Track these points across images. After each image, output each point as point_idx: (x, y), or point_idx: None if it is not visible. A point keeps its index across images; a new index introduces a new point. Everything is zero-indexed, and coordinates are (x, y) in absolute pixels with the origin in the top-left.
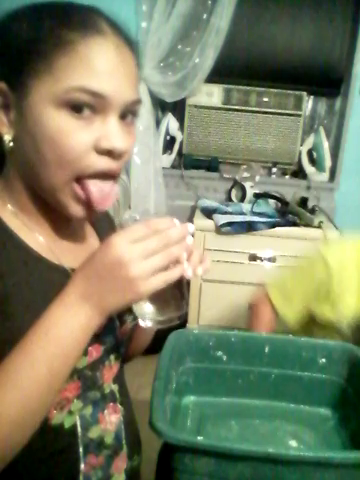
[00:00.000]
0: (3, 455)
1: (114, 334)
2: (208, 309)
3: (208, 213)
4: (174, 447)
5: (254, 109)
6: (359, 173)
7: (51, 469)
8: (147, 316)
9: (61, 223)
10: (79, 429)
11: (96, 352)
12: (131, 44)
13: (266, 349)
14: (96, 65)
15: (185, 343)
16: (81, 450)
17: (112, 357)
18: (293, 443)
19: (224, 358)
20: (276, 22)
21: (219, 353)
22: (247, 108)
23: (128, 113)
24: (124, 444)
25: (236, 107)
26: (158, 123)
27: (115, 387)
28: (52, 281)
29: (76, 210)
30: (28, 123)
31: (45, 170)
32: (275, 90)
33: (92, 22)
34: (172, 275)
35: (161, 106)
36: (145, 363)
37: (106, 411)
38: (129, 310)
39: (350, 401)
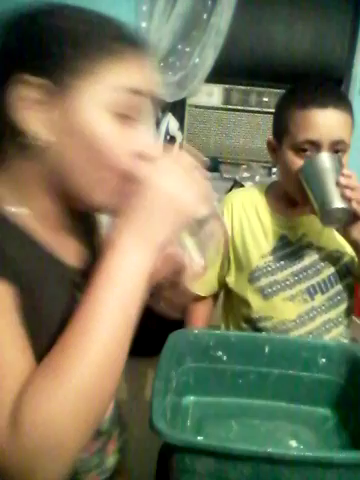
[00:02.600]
0: (100, 411)
1: None
2: None
3: None
4: (174, 447)
5: (254, 109)
6: (359, 173)
7: None
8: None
9: (65, 223)
10: None
11: None
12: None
13: (266, 349)
14: (145, 70)
15: (185, 343)
16: None
17: None
18: (293, 443)
19: (224, 358)
20: (276, 22)
21: (219, 353)
22: (247, 108)
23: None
24: (116, 427)
25: (236, 107)
26: (158, 123)
27: None
28: (63, 277)
29: (107, 209)
30: (74, 125)
31: (88, 174)
32: (275, 90)
33: (135, 35)
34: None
35: (161, 106)
36: (145, 363)
37: None
38: None
39: (350, 401)
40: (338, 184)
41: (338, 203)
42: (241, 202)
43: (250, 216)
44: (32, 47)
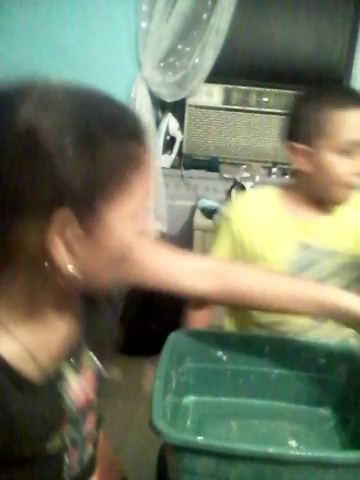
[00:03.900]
0: None
1: None
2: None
3: (208, 213)
4: (174, 447)
5: (254, 109)
6: None
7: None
8: None
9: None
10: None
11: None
12: None
13: (266, 349)
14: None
15: (185, 343)
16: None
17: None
18: (293, 443)
19: (224, 358)
20: (276, 22)
21: (219, 353)
22: (247, 108)
23: None
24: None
25: (236, 107)
26: (158, 123)
27: None
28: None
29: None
30: (101, 244)
31: (107, 272)
32: (275, 90)
33: (145, 131)
34: None
35: (161, 106)
36: (145, 363)
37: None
38: None
39: (350, 401)
40: None
41: None
42: (257, 205)
43: (267, 219)
44: (84, 183)
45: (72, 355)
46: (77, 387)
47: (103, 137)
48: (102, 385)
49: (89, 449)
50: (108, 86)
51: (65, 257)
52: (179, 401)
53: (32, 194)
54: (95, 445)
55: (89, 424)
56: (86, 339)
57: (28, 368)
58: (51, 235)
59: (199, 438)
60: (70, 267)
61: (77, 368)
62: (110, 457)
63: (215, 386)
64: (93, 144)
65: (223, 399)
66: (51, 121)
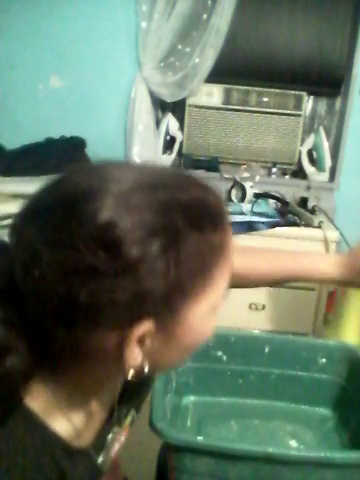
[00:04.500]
0: None
1: None
2: None
3: None
4: (174, 447)
5: (254, 109)
6: (359, 173)
7: None
8: None
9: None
10: None
11: None
12: None
13: (266, 349)
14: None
15: None
16: None
17: None
18: (293, 443)
19: (224, 358)
20: (276, 22)
21: (219, 353)
22: (247, 108)
23: None
24: None
25: (236, 107)
26: (158, 123)
27: None
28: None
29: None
30: (179, 338)
31: (177, 359)
32: (275, 90)
33: (226, 214)
34: None
35: (161, 106)
36: None
37: None
38: None
39: (350, 401)
40: None
41: None
42: None
43: None
44: (167, 287)
45: (118, 418)
46: (117, 445)
47: (186, 232)
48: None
49: None
50: (108, 86)
51: (140, 359)
52: (179, 401)
53: (111, 304)
54: None
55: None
56: (132, 399)
57: (82, 441)
58: (131, 346)
59: (199, 438)
60: (142, 364)
61: (120, 428)
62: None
63: (215, 386)
64: (176, 243)
65: (223, 399)
66: (130, 221)
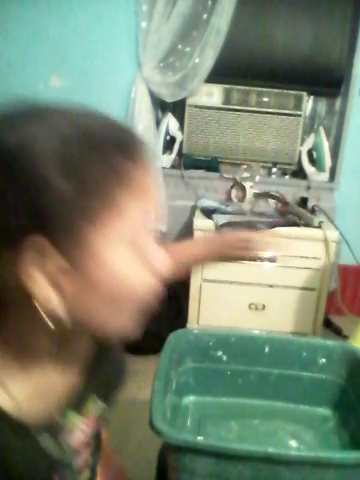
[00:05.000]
0: None
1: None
2: (208, 309)
3: (208, 213)
4: (174, 447)
5: (254, 109)
6: (359, 173)
7: None
8: None
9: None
10: None
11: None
12: None
13: (266, 349)
14: (154, 200)
15: (185, 343)
16: None
17: None
18: (293, 443)
19: (224, 358)
20: (276, 22)
21: (219, 353)
22: (247, 108)
23: None
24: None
25: (236, 107)
26: (158, 123)
27: None
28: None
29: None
30: (93, 277)
31: (106, 312)
32: (275, 90)
33: (145, 153)
34: None
35: (161, 106)
36: (145, 363)
37: None
38: None
39: (350, 401)
40: None
41: None
42: None
43: None
44: (61, 205)
45: (75, 402)
46: (77, 433)
47: (88, 155)
48: (103, 425)
49: (85, 475)
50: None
51: (50, 295)
52: (179, 401)
53: (2, 218)
54: (93, 468)
55: (84, 455)
56: (92, 384)
57: (26, 418)
58: (25, 267)
59: (199, 438)
60: (56, 305)
61: (80, 414)
62: (116, 463)
63: (215, 386)
64: (76, 164)
65: (223, 399)
66: (42, 144)
